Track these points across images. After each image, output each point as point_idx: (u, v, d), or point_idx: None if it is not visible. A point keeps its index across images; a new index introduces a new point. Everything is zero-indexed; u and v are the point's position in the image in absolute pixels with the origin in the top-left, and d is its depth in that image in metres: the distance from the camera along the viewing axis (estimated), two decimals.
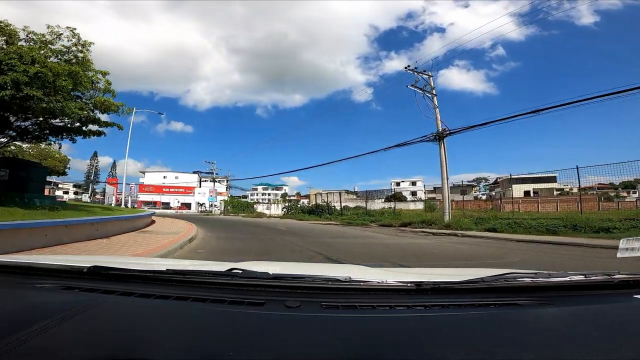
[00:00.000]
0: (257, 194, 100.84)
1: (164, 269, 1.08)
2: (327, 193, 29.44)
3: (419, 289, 0.95)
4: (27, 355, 0.60)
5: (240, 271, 1.07)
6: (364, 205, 27.33)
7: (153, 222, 16.04)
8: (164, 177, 65.13)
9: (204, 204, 56.45)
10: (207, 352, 0.64)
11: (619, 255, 1.52)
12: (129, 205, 54.75)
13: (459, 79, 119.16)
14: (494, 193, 57.07)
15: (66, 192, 74.20)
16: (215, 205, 47.34)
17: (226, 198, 45.29)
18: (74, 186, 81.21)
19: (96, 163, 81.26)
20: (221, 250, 7.61)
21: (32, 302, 0.89)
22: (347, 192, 29.16)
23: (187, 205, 56.05)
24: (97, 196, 67.67)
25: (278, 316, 0.79)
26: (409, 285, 0.97)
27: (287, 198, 57.01)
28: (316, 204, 28.81)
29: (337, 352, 0.65)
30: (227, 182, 44.16)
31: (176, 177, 65.07)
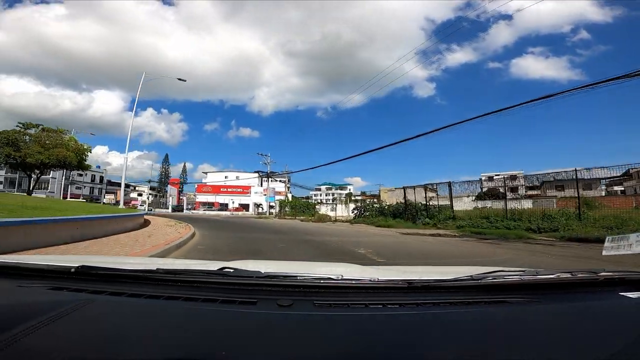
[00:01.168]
0: (321, 194, 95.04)
1: (154, 268, 1.05)
2: (404, 188, 19.86)
3: (411, 287, 0.95)
4: (15, 356, 0.60)
5: (232, 270, 1.05)
6: (448, 203, 17.20)
7: (146, 222, 12.49)
8: (225, 177, 61.89)
9: (260, 204, 50.76)
10: (200, 352, 0.64)
11: (604, 253, 1.55)
12: (185, 206, 52.21)
13: (537, 67, 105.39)
14: (620, 188, 41.26)
15: (140, 194, 76.91)
16: (273, 207, 40.94)
17: (284, 198, 38.19)
18: (150, 189, 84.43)
19: (167, 165, 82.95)
20: None
21: (20, 302, 0.88)
22: (427, 188, 20.08)
23: (245, 207, 50.91)
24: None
25: (270, 315, 0.79)
26: (400, 283, 0.97)
27: (353, 198, 49.43)
28: (406, 202, 19.19)
29: (329, 350, 0.66)
30: (287, 180, 36.99)
31: (237, 177, 61.45)
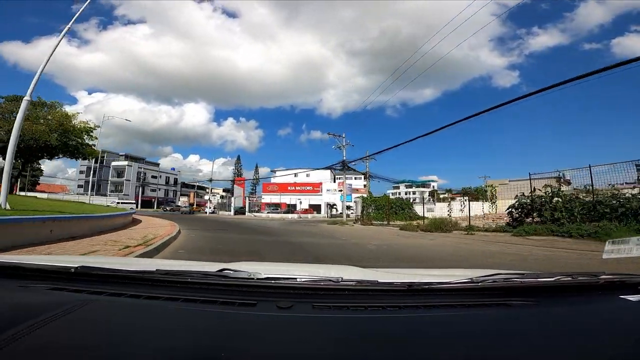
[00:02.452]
0: (399, 194, 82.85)
1: (153, 269, 1.04)
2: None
3: (410, 289, 0.95)
4: (14, 356, 0.60)
5: (231, 272, 1.04)
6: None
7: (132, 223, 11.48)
8: (295, 174, 54.74)
9: (334, 205, 41.52)
10: (199, 353, 0.64)
11: (604, 256, 1.51)
12: (248, 208, 46.23)
13: None
14: None
15: (215, 196, 75.82)
16: (350, 208, 31.40)
17: (365, 195, 28.31)
18: (224, 190, 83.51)
19: (240, 167, 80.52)
20: None
21: (20, 302, 0.88)
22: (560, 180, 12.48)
23: (315, 208, 42.43)
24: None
25: (270, 317, 0.79)
26: (400, 286, 0.97)
27: (439, 196, 37.32)
28: None
29: (329, 352, 0.66)
30: (366, 173, 26.91)
31: (307, 175, 53.91)
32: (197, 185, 64.18)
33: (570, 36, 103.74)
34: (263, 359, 0.63)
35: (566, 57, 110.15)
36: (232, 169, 77.72)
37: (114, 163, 55.22)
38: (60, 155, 22.95)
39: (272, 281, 0.97)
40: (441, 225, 14.43)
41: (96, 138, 24.33)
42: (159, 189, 60.74)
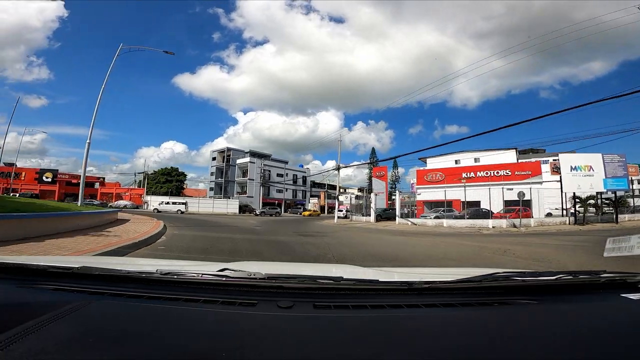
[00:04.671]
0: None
1: (154, 269, 1.05)
2: None
3: (411, 288, 0.95)
4: (16, 356, 0.59)
5: (232, 271, 1.05)
6: None
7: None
8: (455, 161, 36.16)
9: (589, 199, 20.86)
10: (200, 353, 0.64)
11: (605, 254, 1.52)
12: (398, 210, 30.06)
13: None
14: None
15: (347, 196, 64.67)
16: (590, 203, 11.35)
17: None
18: (359, 190, 71.80)
19: (375, 160, 66.60)
20: None
21: (21, 302, 0.88)
22: None
23: (524, 205, 22.43)
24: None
25: (270, 317, 0.80)
26: (401, 285, 0.98)
27: None
28: None
29: (330, 352, 0.66)
30: None
31: (475, 160, 34.74)
32: (328, 185, 52.92)
33: None
34: (264, 358, 0.63)
35: None
36: (366, 172, 64.50)
37: (238, 161, 50.30)
38: None
39: (273, 281, 0.96)
40: None
41: None
42: (286, 190, 52.68)
